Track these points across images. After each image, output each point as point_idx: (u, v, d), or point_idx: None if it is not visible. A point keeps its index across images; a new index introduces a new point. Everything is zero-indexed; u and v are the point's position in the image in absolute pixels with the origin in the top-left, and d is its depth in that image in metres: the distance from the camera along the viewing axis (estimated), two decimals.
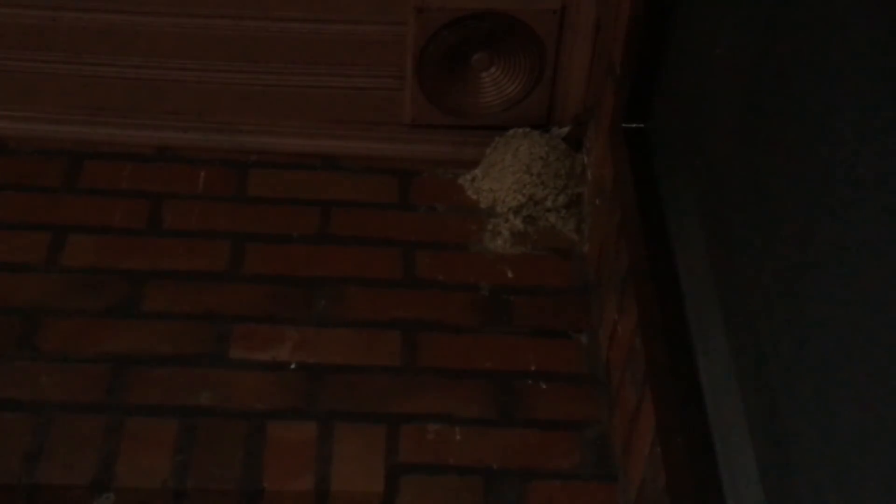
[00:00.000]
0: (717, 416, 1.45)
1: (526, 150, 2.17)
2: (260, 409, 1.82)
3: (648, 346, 1.60)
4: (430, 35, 2.08)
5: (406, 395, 1.86)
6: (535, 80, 2.16)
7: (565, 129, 2.22)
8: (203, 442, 1.77)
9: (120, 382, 1.84)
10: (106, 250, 2.04)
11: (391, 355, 1.92)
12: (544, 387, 1.89)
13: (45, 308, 1.93)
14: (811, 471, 1.19)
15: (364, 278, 2.03)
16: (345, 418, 1.82)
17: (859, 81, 1.13)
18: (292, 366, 1.89)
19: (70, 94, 2.19)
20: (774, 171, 1.34)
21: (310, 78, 2.17)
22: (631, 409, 1.67)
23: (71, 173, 2.17)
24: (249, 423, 1.80)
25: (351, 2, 2.07)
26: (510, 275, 2.06)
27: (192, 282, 2.00)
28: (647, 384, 1.58)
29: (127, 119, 2.22)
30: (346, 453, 1.77)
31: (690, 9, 1.67)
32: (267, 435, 1.79)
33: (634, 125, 1.86)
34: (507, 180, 2.15)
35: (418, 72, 2.13)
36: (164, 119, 2.22)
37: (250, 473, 1.74)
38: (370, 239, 2.10)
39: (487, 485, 1.76)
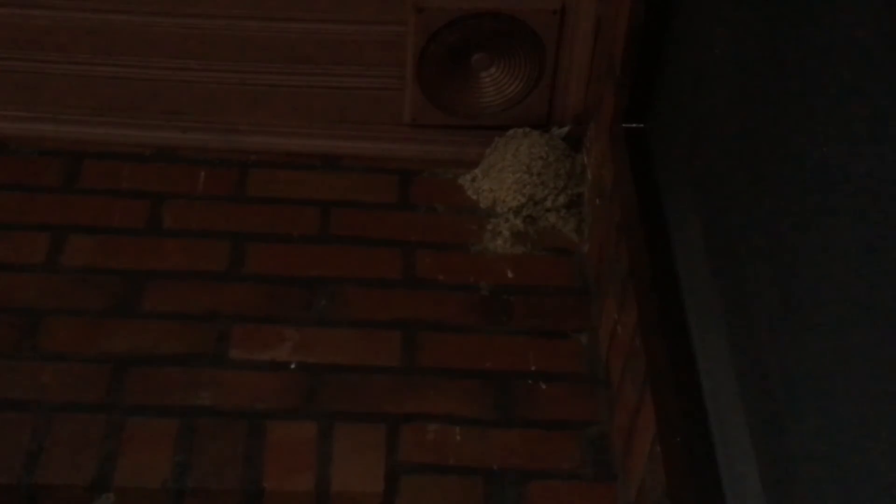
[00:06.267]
0: (717, 417, 1.45)
1: (526, 150, 2.17)
2: (260, 409, 1.82)
3: (648, 346, 1.60)
4: (430, 35, 2.08)
5: (406, 395, 1.86)
6: (535, 80, 2.16)
7: (565, 129, 2.22)
8: (203, 442, 1.77)
9: (120, 382, 1.84)
10: (106, 250, 2.04)
11: (391, 355, 1.92)
12: (544, 387, 1.89)
13: (45, 308, 1.93)
14: (811, 471, 1.19)
15: (364, 278, 2.03)
16: (345, 418, 1.82)
17: (860, 81, 1.13)
18: (292, 366, 1.89)
19: (70, 94, 2.19)
20: (774, 171, 1.34)
21: (310, 78, 2.17)
22: (631, 409, 1.67)
23: (71, 173, 2.17)
24: (249, 423, 1.80)
25: (351, 2, 2.07)
26: (510, 275, 2.06)
27: (192, 282, 2.00)
28: (647, 384, 1.58)
29: (127, 119, 2.22)
30: (346, 453, 1.77)
31: (690, 9, 1.67)
32: (267, 435, 1.79)
33: (634, 125, 1.86)
34: (507, 180, 2.15)
35: (418, 72, 2.13)
36: (164, 119, 2.22)
37: (250, 473, 1.74)
38: (370, 239, 2.10)
39: (487, 485, 1.76)
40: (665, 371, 1.55)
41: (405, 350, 1.92)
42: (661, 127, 1.80)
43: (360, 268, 2.05)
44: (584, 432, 1.83)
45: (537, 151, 2.16)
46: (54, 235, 2.05)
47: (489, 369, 1.91)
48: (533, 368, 1.91)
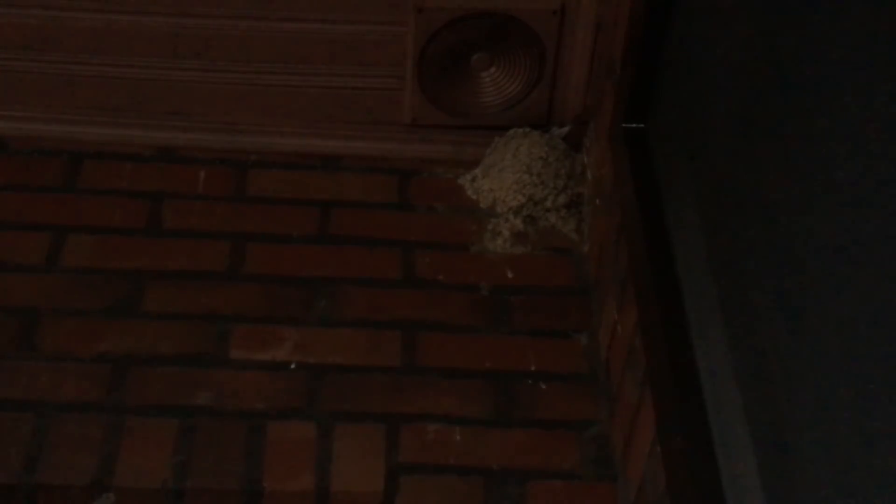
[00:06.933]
0: (717, 416, 1.45)
1: (526, 150, 2.17)
2: (260, 409, 1.82)
3: (648, 346, 1.60)
4: (430, 35, 2.08)
5: (406, 395, 1.86)
6: (535, 80, 2.16)
7: (565, 129, 2.22)
8: (203, 442, 1.77)
9: (120, 382, 1.84)
10: (106, 250, 2.04)
11: (391, 355, 1.92)
12: (544, 387, 1.89)
13: (45, 308, 1.93)
14: (811, 471, 1.19)
15: (364, 278, 2.03)
16: (345, 418, 1.82)
17: (860, 81, 1.13)
18: (292, 366, 1.89)
19: (70, 94, 2.19)
20: (774, 171, 1.34)
21: (310, 78, 2.17)
22: (631, 409, 1.67)
23: (71, 173, 2.17)
24: (249, 423, 1.80)
25: (351, 2, 2.07)
26: (510, 275, 2.06)
27: (192, 282, 2.00)
28: (647, 384, 1.58)
29: (127, 119, 2.22)
30: (346, 453, 1.77)
31: (690, 9, 1.67)
32: (267, 435, 1.79)
33: (634, 125, 1.86)
34: (507, 180, 2.15)
35: (418, 72, 2.13)
36: (164, 119, 2.22)
37: (250, 473, 1.74)
38: (370, 239, 2.10)
39: (487, 485, 1.76)
40: (665, 371, 1.55)
41: (405, 350, 1.93)
42: (661, 127, 1.80)
43: (360, 268, 2.05)
44: (584, 432, 1.83)
45: (537, 151, 2.16)
46: (54, 235, 2.05)
47: (489, 369, 1.91)
48: (533, 368, 1.91)
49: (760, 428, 1.33)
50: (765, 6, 1.40)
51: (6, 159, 2.19)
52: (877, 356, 1.06)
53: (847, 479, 1.12)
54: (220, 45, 2.12)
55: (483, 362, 1.92)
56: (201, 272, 2.02)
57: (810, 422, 1.20)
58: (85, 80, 2.17)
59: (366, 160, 2.24)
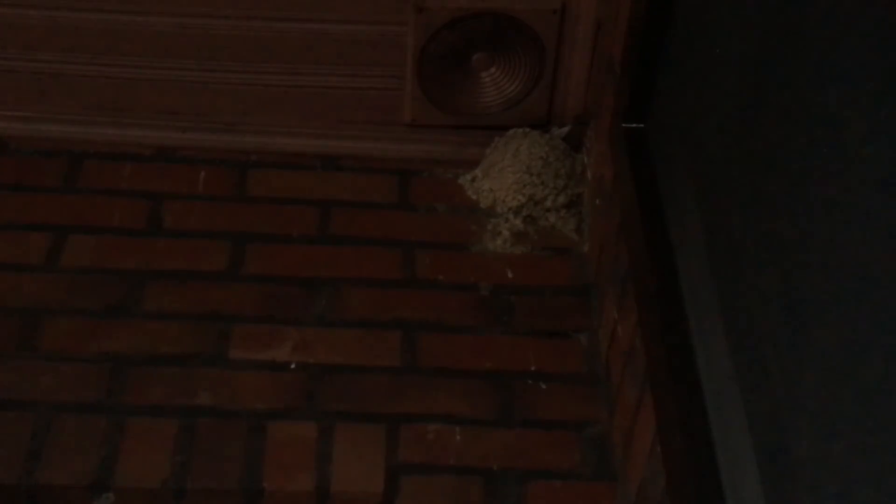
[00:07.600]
0: (717, 416, 1.45)
1: (526, 150, 2.17)
2: (260, 409, 1.82)
3: (648, 346, 1.60)
4: (430, 35, 2.08)
5: (406, 395, 1.86)
6: (535, 80, 2.16)
7: (565, 129, 2.22)
8: (203, 442, 1.77)
9: (120, 382, 1.84)
10: (106, 250, 2.04)
11: (391, 355, 1.92)
12: (544, 387, 1.89)
13: (45, 308, 1.93)
14: (811, 471, 1.19)
15: (364, 278, 2.03)
16: (345, 418, 1.82)
17: (860, 81, 1.13)
18: (292, 366, 1.89)
19: (70, 94, 2.19)
20: (774, 171, 1.34)
21: (310, 78, 2.17)
22: (631, 409, 1.67)
23: (71, 173, 2.17)
24: (249, 423, 1.80)
25: (351, 2, 2.07)
26: (510, 275, 2.06)
27: (192, 282, 2.00)
28: (647, 384, 1.58)
29: (127, 119, 2.22)
30: (346, 453, 1.77)
31: (690, 9, 1.67)
32: (267, 435, 1.79)
33: (634, 125, 1.86)
34: (507, 180, 2.15)
35: (418, 72, 2.13)
36: (164, 119, 2.22)
37: (250, 473, 1.74)
38: (370, 239, 2.10)
39: (487, 485, 1.76)
40: (665, 371, 1.55)
41: (405, 350, 1.93)
42: (661, 127, 1.80)
43: (360, 268, 2.05)
44: (584, 432, 1.83)
45: (537, 151, 2.16)
46: (54, 235, 2.05)
47: (489, 369, 1.91)
48: (533, 368, 1.91)
49: (760, 428, 1.33)
50: (765, 6, 1.40)
51: (6, 159, 2.19)
52: (877, 356, 1.06)
53: (847, 479, 1.12)
54: (220, 45, 2.12)
55: (483, 362, 1.92)
56: (201, 272, 2.02)
57: (810, 422, 1.20)
58: (85, 79, 2.17)
59: (365, 160, 2.24)
